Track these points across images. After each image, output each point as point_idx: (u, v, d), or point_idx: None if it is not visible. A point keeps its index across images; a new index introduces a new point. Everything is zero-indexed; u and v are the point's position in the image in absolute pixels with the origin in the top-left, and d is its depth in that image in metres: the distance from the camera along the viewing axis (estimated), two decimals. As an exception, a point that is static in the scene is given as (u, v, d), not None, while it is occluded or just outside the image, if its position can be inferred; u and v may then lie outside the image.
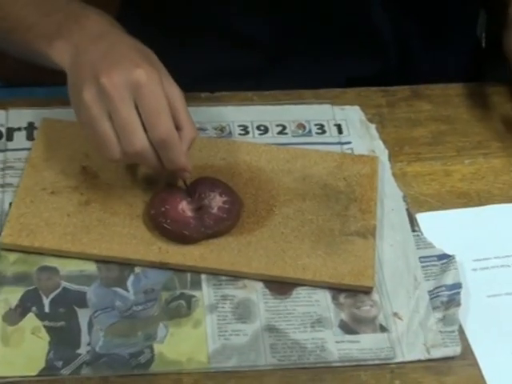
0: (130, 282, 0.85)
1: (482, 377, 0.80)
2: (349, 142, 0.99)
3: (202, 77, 1.03)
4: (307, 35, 1.07)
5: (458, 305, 0.84)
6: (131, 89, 0.81)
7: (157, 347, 0.80)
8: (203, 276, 0.85)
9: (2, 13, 0.94)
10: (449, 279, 0.86)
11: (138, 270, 0.86)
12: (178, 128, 0.84)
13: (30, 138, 0.96)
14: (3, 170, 0.92)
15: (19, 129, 0.97)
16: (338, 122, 1.01)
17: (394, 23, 1.08)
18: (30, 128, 0.97)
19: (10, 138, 0.96)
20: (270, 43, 1.08)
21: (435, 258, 0.88)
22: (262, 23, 1.06)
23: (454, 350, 0.82)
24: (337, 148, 0.98)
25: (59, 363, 0.78)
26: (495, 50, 1.08)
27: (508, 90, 1.06)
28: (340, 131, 1.00)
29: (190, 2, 1.06)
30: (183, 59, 0.98)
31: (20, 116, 0.98)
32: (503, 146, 1.00)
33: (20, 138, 0.96)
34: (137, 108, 0.82)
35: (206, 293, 0.84)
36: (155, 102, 0.82)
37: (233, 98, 1.02)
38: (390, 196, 0.94)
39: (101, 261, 0.86)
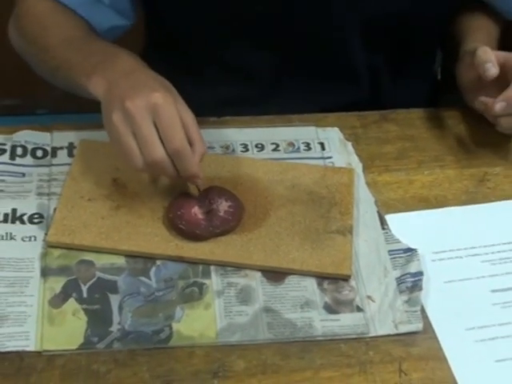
0: (152, 273, 0.84)
1: (440, 348, 0.80)
2: (330, 157, 0.99)
3: (210, 104, 1.02)
4: (298, 72, 1.07)
5: (420, 289, 0.84)
6: (150, 110, 0.81)
7: (174, 326, 0.80)
8: (212, 267, 0.85)
9: (49, 55, 0.94)
10: (412, 268, 0.86)
11: (159, 262, 0.85)
12: (190, 144, 0.83)
13: (70, 155, 0.95)
14: (49, 181, 0.92)
15: (61, 148, 0.96)
16: (321, 141, 1.01)
17: (367, 63, 1.08)
18: (70, 147, 0.96)
19: (54, 155, 0.95)
20: (268, 77, 1.08)
21: (401, 251, 0.88)
22: (261, 62, 1.06)
23: (417, 326, 0.82)
24: (320, 162, 0.98)
25: (95, 339, 0.78)
26: (449, 81, 1.08)
27: (460, 114, 1.06)
28: (323, 148, 1.00)
29: (200, 44, 1.06)
30: (195, 89, 0.98)
31: (62, 137, 0.97)
32: (456, 159, 1.00)
33: (62, 155, 0.95)
34: (156, 126, 0.81)
35: (215, 281, 0.84)
36: (170, 120, 0.81)
37: (235, 122, 1.02)
38: (364, 201, 0.93)
39: (129, 255, 0.85)
